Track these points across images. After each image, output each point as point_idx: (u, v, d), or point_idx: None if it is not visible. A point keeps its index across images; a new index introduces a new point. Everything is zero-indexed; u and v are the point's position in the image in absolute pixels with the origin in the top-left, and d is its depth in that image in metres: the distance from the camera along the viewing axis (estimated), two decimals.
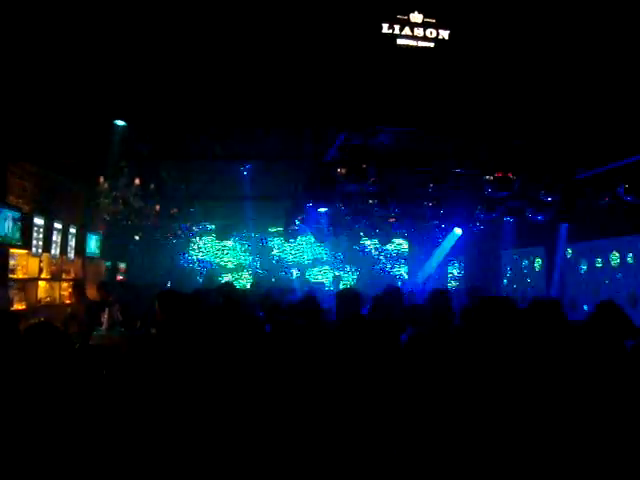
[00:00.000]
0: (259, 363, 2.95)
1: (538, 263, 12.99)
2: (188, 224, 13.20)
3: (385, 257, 17.74)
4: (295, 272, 17.14)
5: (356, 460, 2.61)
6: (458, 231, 14.14)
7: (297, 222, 12.34)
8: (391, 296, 5.58)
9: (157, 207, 10.50)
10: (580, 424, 2.73)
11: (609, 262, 10.27)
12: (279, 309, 5.30)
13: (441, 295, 4.11)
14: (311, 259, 17.50)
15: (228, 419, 2.64)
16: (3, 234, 6.95)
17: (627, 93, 5.73)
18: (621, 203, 8.08)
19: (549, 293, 11.69)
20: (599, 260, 10.60)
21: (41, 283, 8.23)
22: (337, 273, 17.33)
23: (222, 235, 16.58)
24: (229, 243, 16.96)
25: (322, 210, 10.69)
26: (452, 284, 16.85)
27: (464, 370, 3.09)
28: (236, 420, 2.62)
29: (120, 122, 6.77)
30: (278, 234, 16.52)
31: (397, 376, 3.08)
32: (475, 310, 4.10)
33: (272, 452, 2.55)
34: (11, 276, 7.22)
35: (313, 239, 15.84)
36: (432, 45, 5.51)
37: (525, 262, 13.63)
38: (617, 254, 10.04)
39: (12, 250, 7.25)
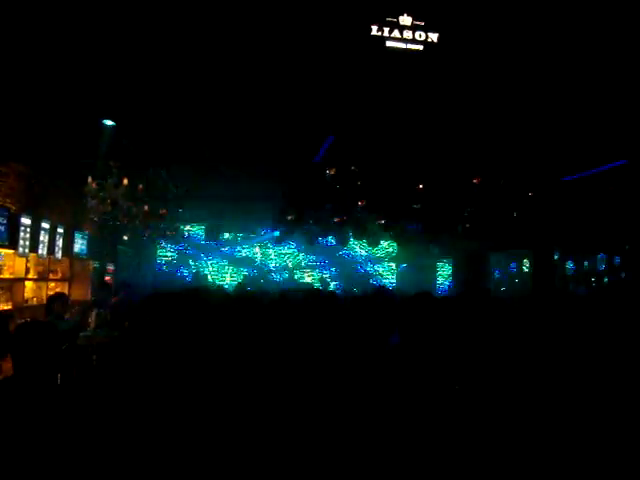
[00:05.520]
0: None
1: (526, 265, 13.07)
2: (175, 226, 13.12)
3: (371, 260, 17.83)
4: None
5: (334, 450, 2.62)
6: None
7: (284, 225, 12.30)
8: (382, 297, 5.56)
9: (146, 207, 10.45)
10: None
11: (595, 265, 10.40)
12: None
13: (424, 298, 4.12)
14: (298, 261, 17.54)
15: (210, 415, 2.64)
16: None
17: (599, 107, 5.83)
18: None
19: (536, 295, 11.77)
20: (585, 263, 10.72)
21: (28, 283, 8.17)
22: (324, 275, 17.35)
23: (210, 235, 16.48)
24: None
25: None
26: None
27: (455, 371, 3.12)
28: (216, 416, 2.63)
29: (109, 122, 6.75)
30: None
31: (384, 377, 3.09)
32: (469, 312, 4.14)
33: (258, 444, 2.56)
34: None
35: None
36: (421, 48, 5.55)
37: (513, 264, 13.71)
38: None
39: None
